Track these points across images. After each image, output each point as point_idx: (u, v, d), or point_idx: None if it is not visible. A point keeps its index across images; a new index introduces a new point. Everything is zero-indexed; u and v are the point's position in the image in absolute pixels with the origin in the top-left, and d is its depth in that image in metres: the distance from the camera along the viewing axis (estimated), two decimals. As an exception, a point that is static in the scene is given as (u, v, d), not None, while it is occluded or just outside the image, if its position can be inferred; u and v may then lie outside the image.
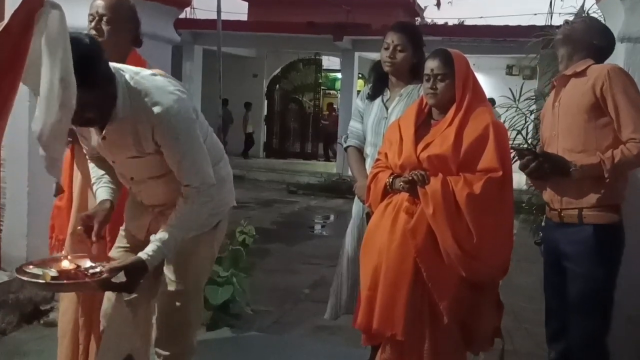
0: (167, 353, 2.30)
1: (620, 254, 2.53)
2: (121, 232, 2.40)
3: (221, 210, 2.35)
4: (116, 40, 2.55)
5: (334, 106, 17.00)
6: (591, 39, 2.59)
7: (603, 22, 3.02)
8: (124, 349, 2.31)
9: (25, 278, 1.96)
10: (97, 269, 2.02)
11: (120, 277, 2.03)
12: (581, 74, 2.52)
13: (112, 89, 2.00)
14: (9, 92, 1.45)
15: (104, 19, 2.58)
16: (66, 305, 2.79)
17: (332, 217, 9.57)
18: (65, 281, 1.97)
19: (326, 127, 16.02)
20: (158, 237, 2.09)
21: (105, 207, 2.22)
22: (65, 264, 2.04)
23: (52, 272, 1.95)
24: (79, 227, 2.16)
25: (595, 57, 2.59)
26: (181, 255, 2.22)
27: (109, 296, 2.35)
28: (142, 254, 2.05)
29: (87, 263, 2.08)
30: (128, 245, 2.34)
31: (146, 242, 2.16)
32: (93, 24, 2.59)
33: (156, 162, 2.14)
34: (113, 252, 2.37)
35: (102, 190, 2.29)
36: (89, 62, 1.87)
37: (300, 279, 5.47)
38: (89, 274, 2.00)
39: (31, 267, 2.01)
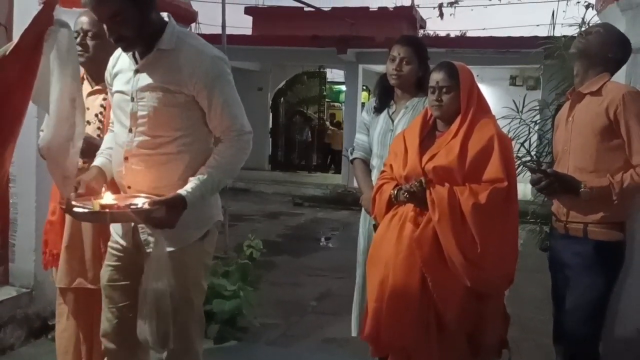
0: None
1: (619, 270, 2.58)
2: (109, 250, 2.36)
3: (207, 220, 2.31)
4: (102, 56, 2.49)
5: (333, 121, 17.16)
6: (607, 53, 2.58)
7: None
8: None
9: (77, 210, 1.99)
10: (138, 204, 2.05)
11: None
12: (597, 92, 2.53)
13: (155, 19, 2.11)
14: (20, 110, 1.47)
15: (89, 34, 2.59)
16: (65, 323, 2.79)
17: (338, 229, 9.55)
18: (112, 209, 2.00)
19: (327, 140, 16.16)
20: (197, 176, 2.11)
21: (91, 172, 2.22)
22: (108, 198, 2.06)
23: (102, 201, 1.99)
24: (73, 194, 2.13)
25: (612, 69, 2.61)
26: (171, 269, 2.17)
27: (107, 316, 2.34)
28: (181, 190, 2.07)
29: (127, 200, 2.10)
30: (119, 262, 2.31)
31: (135, 249, 2.17)
32: (78, 40, 2.59)
33: (174, 117, 2.14)
34: (103, 271, 2.36)
35: (98, 159, 2.30)
36: None
37: (307, 292, 5.46)
38: (130, 207, 2.03)
39: (73, 202, 2.04)
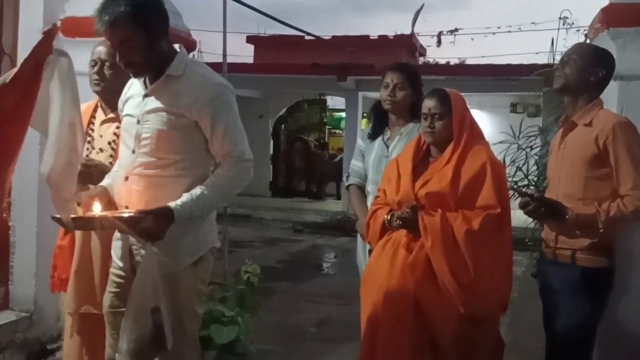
0: None
1: (607, 296, 2.58)
2: (110, 276, 2.40)
3: (201, 245, 2.32)
4: (117, 85, 2.56)
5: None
6: (588, 78, 2.59)
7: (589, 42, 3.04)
8: None
9: (57, 215, 2.08)
10: (125, 214, 2.10)
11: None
12: (588, 122, 2.54)
13: (165, 48, 2.21)
14: (18, 136, 1.52)
15: (106, 64, 2.67)
16: (69, 347, 2.80)
17: (338, 256, 9.55)
18: (97, 214, 2.08)
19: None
20: (190, 193, 2.16)
21: (94, 190, 2.31)
22: (96, 208, 2.13)
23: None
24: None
25: (600, 89, 2.62)
26: (163, 294, 2.19)
27: (109, 342, 2.36)
28: (171, 203, 2.12)
29: (115, 213, 2.17)
30: (119, 289, 2.34)
31: (133, 274, 2.20)
32: (96, 69, 2.69)
33: (175, 140, 2.20)
34: (105, 297, 2.40)
35: (105, 180, 2.38)
36: (146, 6, 2.12)
37: (306, 318, 5.45)
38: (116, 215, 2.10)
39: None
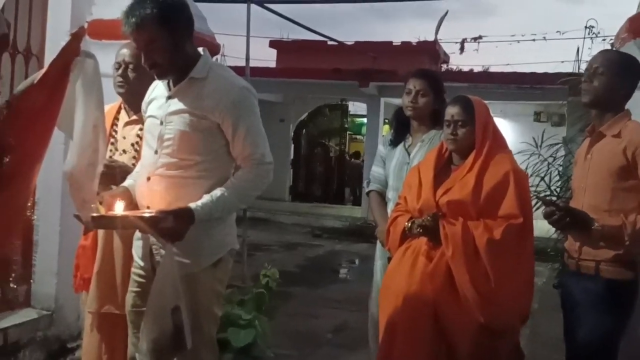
0: None
1: (631, 309, 2.53)
2: (132, 276, 2.44)
3: (220, 247, 2.35)
4: (141, 88, 2.59)
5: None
6: (618, 92, 2.55)
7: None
8: None
9: (77, 214, 2.11)
10: (146, 214, 2.13)
11: None
12: (617, 134, 2.50)
13: (190, 51, 2.25)
14: (46, 135, 1.54)
15: (130, 66, 2.70)
16: (88, 345, 2.81)
17: (356, 262, 9.53)
18: (118, 214, 2.12)
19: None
20: (211, 193, 2.19)
21: (117, 190, 2.34)
22: (118, 208, 2.16)
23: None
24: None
25: (627, 98, 2.58)
26: (176, 287, 2.21)
27: (132, 341, 2.38)
28: (192, 204, 2.14)
29: (137, 213, 2.21)
30: (140, 288, 2.38)
31: (154, 273, 2.23)
32: (120, 71, 2.71)
33: (197, 142, 2.23)
34: (127, 297, 2.43)
35: (127, 181, 2.41)
36: (173, 8, 2.16)
37: (323, 323, 5.44)
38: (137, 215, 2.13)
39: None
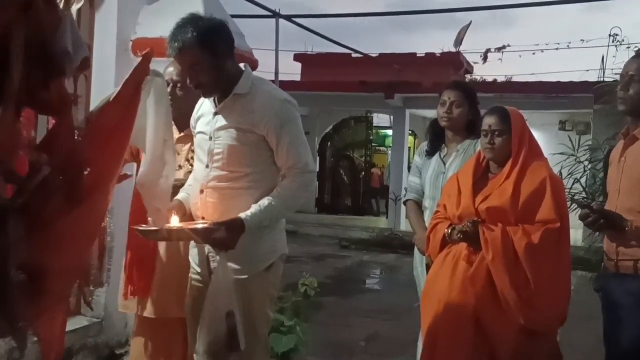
0: None
1: None
2: (190, 280, 2.55)
3: (272, 252, 2.46)
4: (188, 105, 2.68)
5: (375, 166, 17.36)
6: None
7: None
8: None
9: (141, 227, 2.27)
10: (199, 226, 2.26)
11: None
12: None
13: (232, 68, 2.36)
14: (122, 149, 1.67)
15: (178, 85, 2.81)
16: (139, 349, 2.90)
17: (384, 272, 9.58)
18: (174, 227, 2.24)
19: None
20: (258, 204, 2.30)
21: (172, 203, 2.44)
22: (174, 221, 2.30)
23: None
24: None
25: None
26: (237, 297, 2.31)
27: (190, 343, 2.49)
28: (242, 214, 2.26)
29: (191, 225, 2.33)
30: (198, 293, 2.47)
31: (210, 278, 2.33)
32: (168, 89, 2.73)
33: (245, 154, 2.34)
34: (186, 301, 2.55)
35: (180, 194, 2.52)
36: (212, 31, 2.27)
37: (355, 332, 5.50)
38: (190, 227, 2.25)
39: (143, 226, 2.32)
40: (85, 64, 1.53)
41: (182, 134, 2.87)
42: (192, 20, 2.28)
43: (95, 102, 2.18)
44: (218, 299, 2.27)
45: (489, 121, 2.72)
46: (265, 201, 2.31)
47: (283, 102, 2.39)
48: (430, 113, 3.36)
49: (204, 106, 2.51)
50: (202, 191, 2.39)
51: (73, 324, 3.66)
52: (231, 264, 2.32)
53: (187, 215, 2.45)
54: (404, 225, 11.71)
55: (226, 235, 2.22)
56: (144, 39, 3.96)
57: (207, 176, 2.39)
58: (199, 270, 2.48)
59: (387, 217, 13.97)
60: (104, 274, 1.89)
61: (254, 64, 4.31)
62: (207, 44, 2.26)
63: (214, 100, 2.43)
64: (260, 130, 2.33)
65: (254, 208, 2.29)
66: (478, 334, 2.52)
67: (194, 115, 2.56)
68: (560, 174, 5.55)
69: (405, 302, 3.40)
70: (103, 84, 3.38)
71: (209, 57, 2.27)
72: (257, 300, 2.42)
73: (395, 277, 8.84)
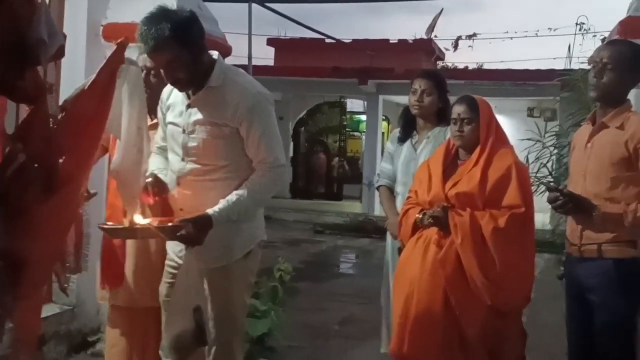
0: None
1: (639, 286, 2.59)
2: (166, 267, 2.57)
3: (251, 240, 2.48)
4: (161, 92, 2.63)
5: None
6: (625, 87, 2.60)
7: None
8: None
9: (106, 226, 2.26)
10: (168, 224, 2.24)
11: None
12: (619, 125, 2.55)
13: (205, 60, 2.32)
14: (97, 137, 1.69)
15: (152, 72, 2.76)
16: (115, 338, 2.89)
17: (358, 256, 9.68)
18: (139, 225, 2.21)
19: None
20: (226, 199, 2.28)
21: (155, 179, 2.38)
22: (138, 219, 2.26)
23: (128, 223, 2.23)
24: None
25: (631, 89, 2.65)
26: (216, 285, 2.38)
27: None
28: (209, 210, 2.24)
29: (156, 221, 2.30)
30: (172, 280, 2.49)
31: None
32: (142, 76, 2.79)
33: (220, 148, 2.32)
34: (161, 287, 2.55)
35: (154, 172, 2.42)
36: (186, 25, 2.23)
37: (330, 316, 5.57)
38: (156, 225, 2.23)
39: (109, 223, 2.32)
40: (61, 52, 1.54)
41: (154, 121, 2.88)
42: (164, 15, 2.22)
43: (65, 89, 2.15)
44: (185, 293, 2.27)
45: (458, 110, 2.79)
46: (233, 196, 2.30)
47: (256, 95, 2.37)
48: (403, 99, 3.44)
49: (174, 95, 2.46)
50: (179, 183, 2.40)
51: (45, 311, 3.61)
52: (211, 252, 2.33)
53: (166, 189, 2.41)
54: (378, 211, 11.81)
55: (194, 231, 2.20)
56: (115, 24, 3.94)
57: (183, 169, 2.39)
58: (176, 259, 2.48)
59: (361, 202, 14.06)
60: (80, 260, 1.91)
61: (227, 51, 4.32)
62: (183, 39, 2.22)
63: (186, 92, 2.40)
64: (234, 123, 2.33)
65: (221, 203, 2.28)
66: (448, 314, 2.60)
67: (163, 102, 2.51)
68: (527, 159, 5.72)
69: (378, 286, 3.47)
70: (73, 70, 3.34)
71: (186, 52, 2.24)
72: (236, 288, 2.45)
73: (369, 261, 8.93)
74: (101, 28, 3.98)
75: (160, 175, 2.43)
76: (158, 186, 2.33)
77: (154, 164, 2.50)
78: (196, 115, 2.36)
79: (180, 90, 2.38)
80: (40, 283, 1.62)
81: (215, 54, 2.40)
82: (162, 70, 2.28)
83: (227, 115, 2.32)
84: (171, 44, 2.20)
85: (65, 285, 1.90)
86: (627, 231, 2.52)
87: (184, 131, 2.38)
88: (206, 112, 2.34)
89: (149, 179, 2.29)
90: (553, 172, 5.47)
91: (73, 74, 3.30)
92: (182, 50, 2.22)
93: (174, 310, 2.32)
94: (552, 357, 4.26)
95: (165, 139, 2.50)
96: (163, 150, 2.52)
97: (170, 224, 2.25)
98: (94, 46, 3.86)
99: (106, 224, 2.31)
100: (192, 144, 2.36)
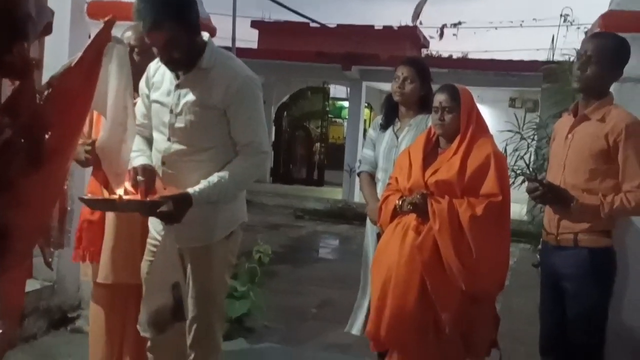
0: (194, 354, 2.50)
1: (614, 274, 2.69)
2: (148, 245, 2.59)
3: (233, 221, 2.51)
4: (145, 69, 2.62)
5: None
6: (610, 81, 2.65)
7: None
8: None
9: (86, 198, 2.25)
10: (148, 199, 2.25)
11: None
12: (600, 118, 2.61)
13: (199, 41, 2.31)
14: (83, 114, 1.70)
15: (135, 50, 2.76)
16: (96, 313, 2.94)
17: (337, 242, 9.74)
18: (120, 197, 2.21)
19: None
20: (207, 180, 2.29)
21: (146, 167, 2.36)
22: (120, 192, 2.27)
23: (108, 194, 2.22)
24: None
25: (614, 82, 2.69)
26: (197, 264, 2.41)
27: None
28: (190, 189, 2.25)
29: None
30: (154, 257, 2.49)
31: None
32: None
33: (207, 130, 2.32)
34: (143, 264, 2.58)
35: (140, 159, 2.40)
36: (184, 3, 2.21)
37: (308, 299, 5.63)
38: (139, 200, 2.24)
39: (89, 195, 2.32)
40: (48, 29, 1.54)
41: (137, 98, 2.88)
42: None
43: (49, 66, 2.14)
44: (163, 270, 2.30)
45: (439, 98, 2.83)
46: (215, 177, 2.31)
47: (245, 78, 2.37)
48: (387, 86, 3.46)
49: (160, 73, 2.44)
50: (163, 163, 2.40)
51: (25, 287, 3.65)
52: (192, 232, 2.36)
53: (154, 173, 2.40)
54: (358, 197, 11.88)
55: (173, 209, 2.21)
56: (100, 2, 3.92)
57: (168, 149, 2.39)
58: (158, 238, 2.49)
59: (342, 189, 14.12)
60: (64, 235, 1.93)
61: (212, 32, 4.29)
62: (182, 16, 2.20)
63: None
64: (222, 105, 2.33)
65: (202, 184, 2.29)
66: (424, 299, 2.66)
67: (147, 79, 2.48)
68: (505, 150, 5.80)
69: (357, 271, 3.52)
70: (57, 47, 3.32)
71: (183, 32, 2.22)
72: (216, 268, 2.48)
73: (348, 247, 9.01)
74: (85, 5, 3.95)
75: (147, 161, 2.40)
76: (148, 182, 2.32)
77: (135, 145, 2.47)
78: (186, 96, 2.35)
79: (172, 70, 2.37)
80: (25, 255, 1.64)
81: (206, 35, 2.40)
82: (156, 49, 2.25)
83: (216, 98, 2.32)
84: (170, 22, 2.18)
85: (50, 259, 1.91)
86: (603, 222, 2.60)
87: (171, 111, 2.38)
88: (195, 94, 2.34)
89: (140, 178, 2.29)
90: (531, 165, 5.53)
91: (57, 51, 3.28)
92: (180, 29, 2.21)
93: (152, 286, 2.34)
94: (523, 343, 4.35)
95: (147, 116, 2.49)
96: (144, 129, 2.49)
97: (149, 199, 2.26)
98: (78, 24, 3.83)
99: (87, 196, 2.31)
100: (179, 124, 2.36)
